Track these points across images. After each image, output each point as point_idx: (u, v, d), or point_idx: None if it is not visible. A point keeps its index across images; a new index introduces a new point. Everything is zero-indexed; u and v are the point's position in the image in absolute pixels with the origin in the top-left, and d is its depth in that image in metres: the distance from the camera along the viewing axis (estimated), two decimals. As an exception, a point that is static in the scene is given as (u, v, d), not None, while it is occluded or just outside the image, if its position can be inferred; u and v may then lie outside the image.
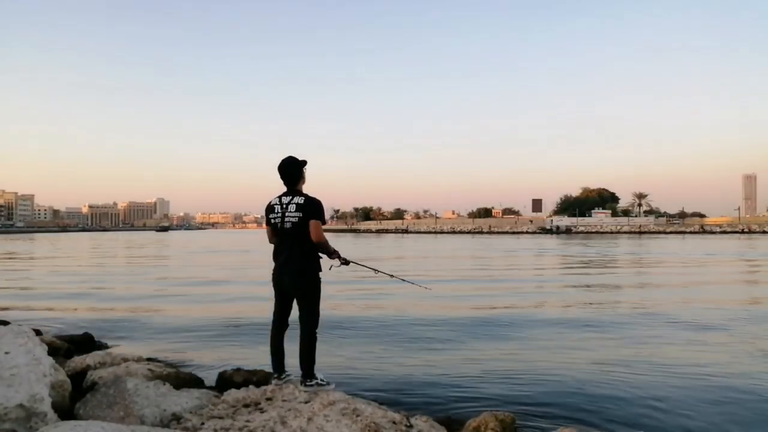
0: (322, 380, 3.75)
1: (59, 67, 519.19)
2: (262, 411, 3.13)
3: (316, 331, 3.78)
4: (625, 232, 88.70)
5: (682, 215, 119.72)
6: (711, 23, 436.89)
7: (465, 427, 3.16)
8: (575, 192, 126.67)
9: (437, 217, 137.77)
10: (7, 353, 2.78)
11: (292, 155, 3.86)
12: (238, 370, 4.40)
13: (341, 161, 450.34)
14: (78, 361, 4.40)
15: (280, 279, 3.82)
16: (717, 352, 5.89)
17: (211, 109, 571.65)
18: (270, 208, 3.84)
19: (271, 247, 3.93)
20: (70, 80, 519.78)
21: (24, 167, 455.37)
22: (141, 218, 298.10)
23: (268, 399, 3.34)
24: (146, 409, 3.08)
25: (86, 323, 7.47)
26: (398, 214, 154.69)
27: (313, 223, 3.65)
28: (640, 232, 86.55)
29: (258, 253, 29.38)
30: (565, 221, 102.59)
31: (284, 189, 3.85)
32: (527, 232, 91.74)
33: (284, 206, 3.74)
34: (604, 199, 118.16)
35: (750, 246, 37.31)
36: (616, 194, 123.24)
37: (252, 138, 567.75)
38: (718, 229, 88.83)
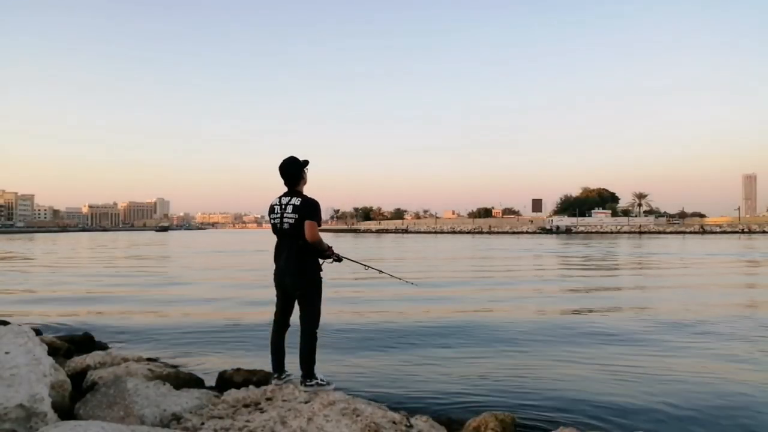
0: (322, 380, 3.75)
1: (59, 67, 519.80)
2: (262, 411, 3.13)
3: (317, 331, 3.78)
4: (625, 232, 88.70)
5: (682, 215, 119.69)
6: (711, 23, 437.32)
7: (465, 427, 3.16)
8: (575, 192, 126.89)
9: (437, 217, 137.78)
10: (7, 353, 2.78)
11: (294, 155, 3.86)
12: (238, 370, 4.40)
13: (341, 161, 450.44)
14: (78, 361, 4.40)
15: (281, 280, 3.83)
16: (720, 354, 5.88)
17: (211, 109, 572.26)
18: (271, 209, 3.86)
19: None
20: (71, 80, 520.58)
21: (24, 167, 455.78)
22: (141, 218, 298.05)
23: (268, 399, 3.34)
24: (146, 409, 3.08)
25: (86, 323, 7.47)
26: (398, 214, 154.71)
27: (307, 223, 3.66)
28: (640, 232, 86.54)
29: (258, 254, 29.39)
30: (565, 221, 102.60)
31: (285, 189, 3.85)
32: (527, 232, 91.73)
33: (283, 207, 3.75)
34: (604, 199, 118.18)
35: (751, 246, 37.29)
36: (616, 194, 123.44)
37: (252, 138, 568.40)
38: (718, 229, 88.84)
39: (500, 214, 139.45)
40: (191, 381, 4.22)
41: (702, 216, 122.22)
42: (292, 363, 3.89)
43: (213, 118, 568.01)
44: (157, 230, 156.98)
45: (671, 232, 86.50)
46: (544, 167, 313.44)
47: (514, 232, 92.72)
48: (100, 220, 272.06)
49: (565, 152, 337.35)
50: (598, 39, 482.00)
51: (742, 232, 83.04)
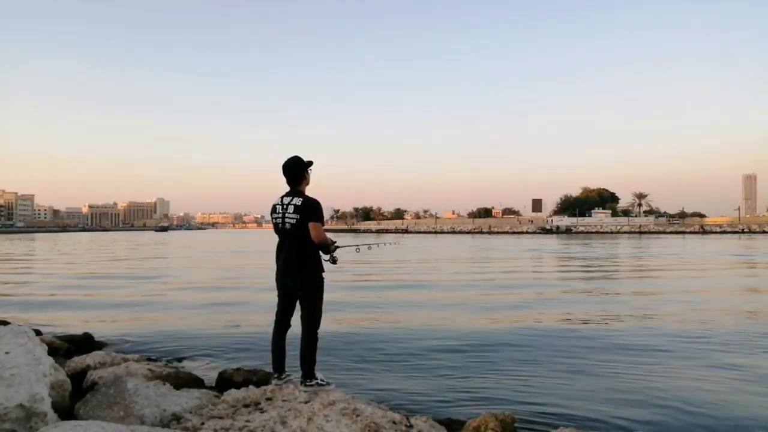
0: (322, 380, 3.76)
1: (59, 67, 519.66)
2: (262, 411, 3.13)
3: (317, 331, 3.78)
4: (625, 232, 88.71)
5: (682, 215, 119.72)
6: (711, 23, 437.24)
7: (465, 427, 3.16)
8: (575, 192, 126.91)
9: (437, 217, 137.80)
10: (7, 353, 2.78)
11: (298, 155, 3.86)
12: (238, 370, 4.40)
13: (341, 161, 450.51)
14: (78, 361, 4.40)
15: (282, 280, 3.83)
16: (722, 360, 5.87)
17: (210, 108, 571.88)
18: (273, 209, 3.87)
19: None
20: (71, 80, 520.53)
21: (24, 167, 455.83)
22: (141, 218, 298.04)
23: (268, 399, 3.34)
24: (146, 409, 3.08)
25: (87, 323, 7.47)
26: (398, 214, 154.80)
27: (312, 225, 3.66)
28: (640, 232, 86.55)
29: (257, 254, 29.40)
30: (565, 221, 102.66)
31: (287, 189, 3.86)
32: (527, 232, 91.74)
33: (285, 207, 3.76)
34: (604, 199, 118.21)
35: (753, 246, 37.29)
36: (616, 194, 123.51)
37: (252, 138, 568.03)
38: (718, 229, 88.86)
39: (500, 214, 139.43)
40: (191, 381, 4.22)
41: (702, 216, 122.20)
42: (292, 363, 3.90)
43: (213, 118, 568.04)
44: (156, 230, 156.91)
45: (671, 232, 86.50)
46: (544, 167, 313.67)
47: (514, 232, 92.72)
48: (100, 220, 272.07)
49: (565, 152, 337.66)
50: (598, 39, 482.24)
51: (742, 232, 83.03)
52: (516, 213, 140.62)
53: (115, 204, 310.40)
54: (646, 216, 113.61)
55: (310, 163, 3.89)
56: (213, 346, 6.13)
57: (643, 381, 4.72)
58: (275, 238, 3.93)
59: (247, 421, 2.96)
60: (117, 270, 19.46)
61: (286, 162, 3.82)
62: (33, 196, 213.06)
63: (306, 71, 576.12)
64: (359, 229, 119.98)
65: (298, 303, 3.89)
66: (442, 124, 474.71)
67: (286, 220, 3.73)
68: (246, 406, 3.25)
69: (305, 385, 3.66)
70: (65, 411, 3.16)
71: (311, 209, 3.70)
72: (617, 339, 6.55)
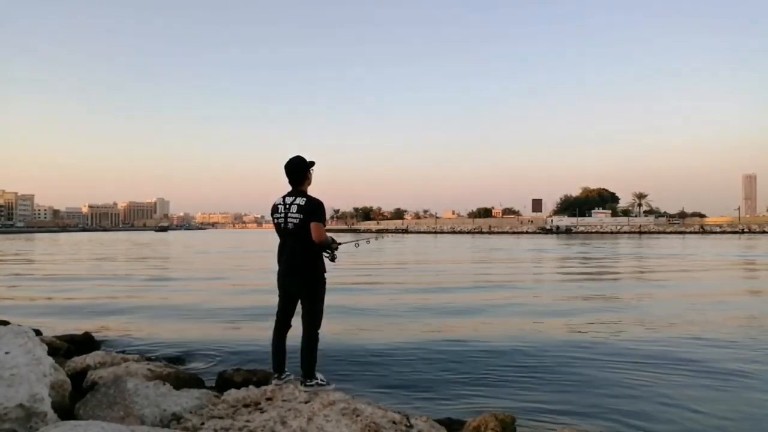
0: (322, 380, 3.75)
1: (59, 67, 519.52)
2: (262, 411, 3.13)
3: (318, 331, 3.78)
4: (625, 232, 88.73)
5: (682, 215, 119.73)
6: (711, 22, 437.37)
7: (465, 427, 3.16)
8: (575, 192, 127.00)
9: (437, 217, 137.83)
10: (7, 353, 2.78)
11: (300, 155, 3.85)
12: (238, 370, 4.40)
13: (341, 161, 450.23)
14: (78, 361, 4.40)
15: (284, 279, 3.83)
16: (724, 362, 5.87)
17: (210, 108, 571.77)
18: (274, 208, 3.85)
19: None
20: (71, 80, 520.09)
21: (24, 167, 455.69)
22: (141, 218, 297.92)
23: (268, 399, 3.34)
24: (146, 409, 3.08)
25: (86, 323, 7.47)
26: (398, 214, 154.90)
27: (314, 225, 3.65)
28: (640, 232, 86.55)
29: (257, 254, 29.39)
30: (565, 221, 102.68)
31: (289, 188, 3.85)
32: (527, 232, 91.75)
33: (287, 206, 3.75)
34: (604, 199, 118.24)
35: (754, 246, 37.30)
36: (616, 194, 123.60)
37: (252, 138, 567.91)
38: (718, 229, 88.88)
39: (500, 214, 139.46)
40: (191, 381, 4.22)
41: (702, 216, 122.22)
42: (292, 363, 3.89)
43: (213, 118, 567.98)
44: (156, 230, 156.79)
45: (671, 232, 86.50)
46: (544, 167, 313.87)
47: (514, 232, 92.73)
48: (100, 220, 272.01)
49: (565, 152, 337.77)
50: (598, 38, 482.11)
51: (742, 232, 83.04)
52: (516, 213, 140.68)
53: (115, 204, 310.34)
54: (646, 216, 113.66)
55: (312, 164, 3.88)
56: (213, 346, 6.13)
57: (645, 383, 4.71)
58: (276, 238, 3.92)
59: (247, 421, 2.96)
60: (117, 270, 19.47)
61: (289, 161, 3.81)
62: (33, 196, 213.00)
63: (306, 71, 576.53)
64: (359, 229, 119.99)
65: (299, 303, 3.89)
66: (442, 123, 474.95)
67: (289, 220, 3.72)
68: (246, 406, 3.25)
69: (305, 385, 3.66)
70: (65, 411, 3.16)
71: (314, 209, 3.69)
72: (618, 341, 6.55)
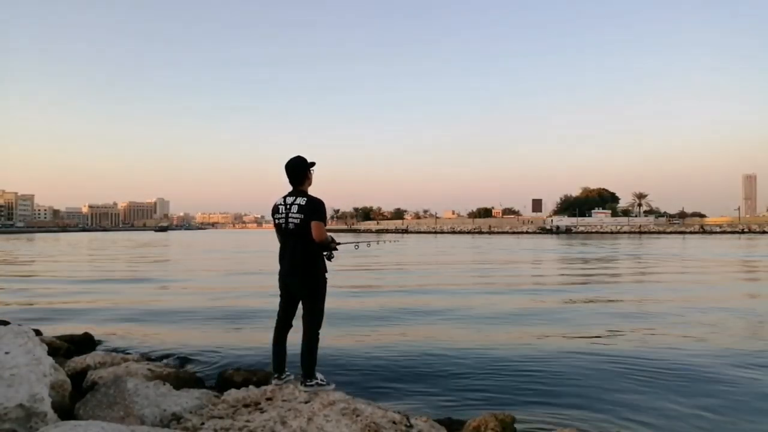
0: (322, 380, 3.75)
1: (59, 67, 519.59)
2: (262, 411, 3.13)
3: (319, 331, 3.78)
4: (625, 233, 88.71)
5: (682, 215, 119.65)
6: (711, 22, 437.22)
7: (465, 427, 3.16)
8: (575, 192, 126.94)
9: (437, 217, 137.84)
10: (7, 353, 2.78)
11: (301, 155, 3.84)
12: (238, 370, 4.40)
13: (342, 160, 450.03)
14: (78, 361, 4.41)
15: (285, 280, 3.82)
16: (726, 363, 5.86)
17: (210, 109, 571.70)
18: (275, 209, 3.84)
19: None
20: (70, 80, 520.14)
21: (24, 167, 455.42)
22: (141, 218, 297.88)
23: (268, 399, 3.34)
24: (146, 409, 3.08)
25: (87, 324, 7.47)
26: (398, 214, 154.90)
27: (314, 224, 3.64)
28: (641, 232, 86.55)
29: (257, 254, 29.37)
30: (565, 221, 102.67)
31: (290, 188, 3.85)
32: (527, 233, 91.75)
33: (288, 207, 3.74)
34: (604, 199, 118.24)
35: (755, 246, 37.29)
36: (616, 194, 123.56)
37: (252, 138, 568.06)
38: (718, 229, 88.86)
39: (500, 214, 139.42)
40: (191, 381, 4.22)
41: (702, 216, 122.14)
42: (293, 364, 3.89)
43: (213, 118, 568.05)
44: (156, 230, 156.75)
45: (671, 232, 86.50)
46: (544, 167, 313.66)
47: (514, 232, 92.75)
48: (100, 220, 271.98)
49: (565, 152, 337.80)
50: (597, 38, 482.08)
51: (742, 232, 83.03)
52: (516, 213, 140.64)
53: (115, 204, 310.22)
54: (646, 216, 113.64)
55: (313, 164, 3.88)
56: (213, 347, 6.13)
57: (646, 384, 4.71)
58: (276, 238, 3.91)
59: (247, 421, 2.96)
60: (117, 270, 19.47)
61: (289, 161, 3.80)
62: (33, 196, 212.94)
63: (306, 71, 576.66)
64: (359, 229, 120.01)
65: (300, 304, 3.89)
66: (442, 124, 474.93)
67: (290, 220, 3.71)
68: (246, 406, 3.25)
69: (305, 385, 3.66)
70: (65, 411, 3.16)
71: (315, 208, 3.69)
72: (619, 344, 6.55)
